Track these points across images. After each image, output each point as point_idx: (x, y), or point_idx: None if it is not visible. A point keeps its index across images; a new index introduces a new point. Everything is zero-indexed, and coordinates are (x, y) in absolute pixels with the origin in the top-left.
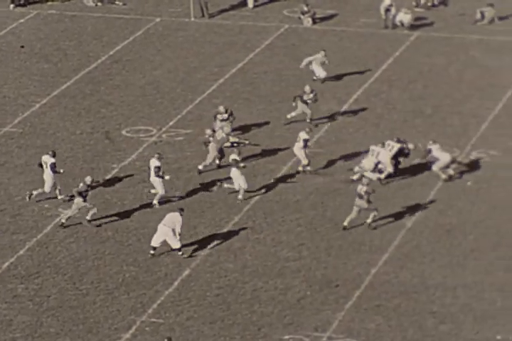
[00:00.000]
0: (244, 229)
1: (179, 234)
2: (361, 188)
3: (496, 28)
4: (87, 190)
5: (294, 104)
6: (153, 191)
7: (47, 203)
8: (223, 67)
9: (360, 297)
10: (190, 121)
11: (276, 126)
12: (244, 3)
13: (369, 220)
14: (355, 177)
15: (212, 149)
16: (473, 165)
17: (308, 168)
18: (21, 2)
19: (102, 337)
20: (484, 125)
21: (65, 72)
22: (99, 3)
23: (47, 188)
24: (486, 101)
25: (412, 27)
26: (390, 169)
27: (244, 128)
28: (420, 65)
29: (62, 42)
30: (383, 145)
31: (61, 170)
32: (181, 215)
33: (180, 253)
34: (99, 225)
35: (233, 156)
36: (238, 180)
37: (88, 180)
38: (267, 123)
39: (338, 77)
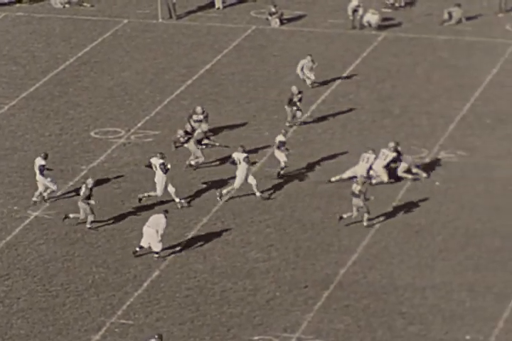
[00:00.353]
0: (213, 230)
1: (161, 236)
2: (355, 187)
3: (464, 28)
4: (90, 193)
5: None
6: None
7: (16, 205)
8: (191, 68)
9: (329, 297)
10: (159, 122)
11: (244, 127)
12: (211, 5)
13: (365, 224)
14: (333, 179)
15: (193, 146)
16: (441, 166)
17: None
18: None
19: (72, 339)
20: (452, 125)
21: (33, 74)
22: (66, 5)
23: (41, 188)
24: (454, 102)
25: (380, 27)
26: (384, 178)
27: (212, 130)
28: (388, 65)
29: (31, 44)
30: (373, 151)
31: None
32: (165, 217)
33: (156, 255)
34: (97, 228)
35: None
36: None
37: (90, 182)
38: (235, 124)
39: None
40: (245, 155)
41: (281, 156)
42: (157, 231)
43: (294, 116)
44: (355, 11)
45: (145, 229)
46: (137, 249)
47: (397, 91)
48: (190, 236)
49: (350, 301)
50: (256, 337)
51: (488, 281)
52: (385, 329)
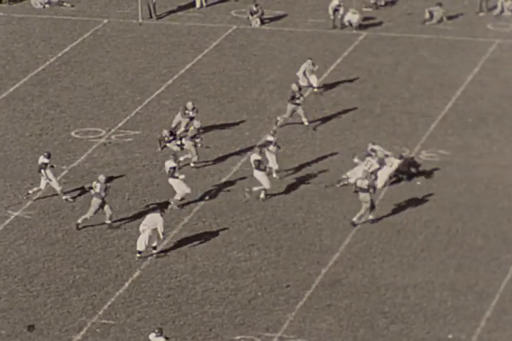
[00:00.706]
0: (194, 229)
1: (163, 234)
2: (362, 182)
3: (445, 28)
4: (106, 189)
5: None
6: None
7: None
8: (172, 68)
9: (311, 297)
10: (139, 122)
11: (225, 126)
12: (192, 4)
13: (354, 219)
14: (338, 185)
15: (189, 145)
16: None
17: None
18: None
19: (53, 339)
20: (433, 124)
21: (13, 74)
22: (46, 5)
23: (58, 188)
24: (435, 101)
25: (361, 27)
26: (380, 184)
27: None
28: (369, 64)
29: (10, 44)
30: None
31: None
32: (162, 215)
33: (154, 251)
34: (119, 226)
35: (255, 157)
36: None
37: (102, 178)
38: (215, 123)
39: (287, 78)
40: (259, 158)
41: (270, 157)
42: (153, 230)
43: (292, 112)
44: (335, 10)
45: (141, 228)
46: (138, 255)
47: (378, 90)
48: (171, 236)
49: (332, 301)
50: (238, 337)
51: (470, 280)
52: (367, 328)
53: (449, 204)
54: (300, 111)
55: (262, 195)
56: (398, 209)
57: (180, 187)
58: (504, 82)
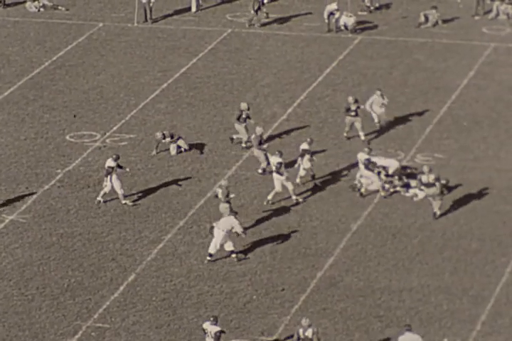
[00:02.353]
0: (189, 233)
1: (244, 233)
2: (428, 177)
3: (440, 31)
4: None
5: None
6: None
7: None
8: (166, 72)
9: (306, 301)
10: (134, 125)
11: (220, 130)
12: (187, 8)
13: (438, 212)
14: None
15: (258, 153)
16: (417, 169)
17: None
18: None
19: None
20: (429, 128)
21: (8, 78)
22: (41, 9)
23: (120, 191)
24: (431, 104)
25: (356, 30)
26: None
27: (188, 133)
28: (364, 68)
29: (5, 47)
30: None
31: (127, 169)
32: (236, 217)
33: (233, 255)
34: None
35: (277, 159)
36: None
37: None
38: (210, 127)
39: (282, 81)
40: (280, 160)
41: (305, 163)
42: (228, 232)
43: (351, 126)
44: (331, 14)
45: (216, 231)
46: (208, 257)
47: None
48: (166, 240)
49: (327, 304)
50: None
51: (465, 284)
52: (362, 332)
53: (444, 207)
54: (357, 124)
55: (270, 197)
56: (393, 212)
57: (278, 184)
58: (499, 85)
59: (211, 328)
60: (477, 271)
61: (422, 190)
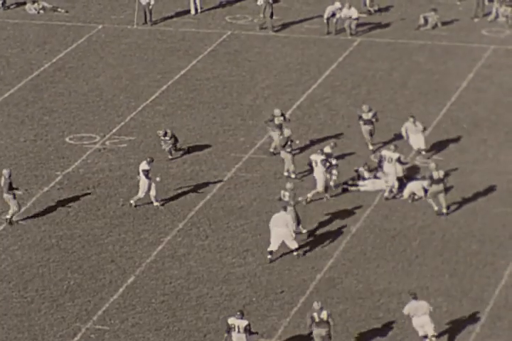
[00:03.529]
0: (188, 235)
1: (293, 231)
2: (439, 173)
3: (440, 33)
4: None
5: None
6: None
7: None
8: (166, 74)
9: (306, 303)
10: (134, 128)
11: (220, 132)
12: (186, 10)
13: (445, 211)
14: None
15: (285, 155)
16: (417, 171)
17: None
18: None
19: None
20: (428, 130)
21: (7, 80)
22: (41, 11)
23: (141, 194)
24: (430, 107)
25: (356, 32)
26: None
27: (187, 135)
28: (364, 70)
29: (5, 49)
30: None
31: (157, 178)
32: (288, 214)
33: (295, 253)
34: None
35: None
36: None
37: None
38: (210, 129)
39: (282, 83)
40: (323, 157)
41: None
42: (284, 230)
43: (370, 133)
44: (332, 15)
45: (273, 229)
46: (269, 256)
47: (373, 96)
48: (165, 242)
49: (326, 306)
50: None
51: (464, 286)
52: (361, 334)
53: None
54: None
55: (310, 195)
56: (393, 214)
57: (320, 182)
58: (499, 87)
59: (239, 323)
60: (476, 273)
61: (430, 186)
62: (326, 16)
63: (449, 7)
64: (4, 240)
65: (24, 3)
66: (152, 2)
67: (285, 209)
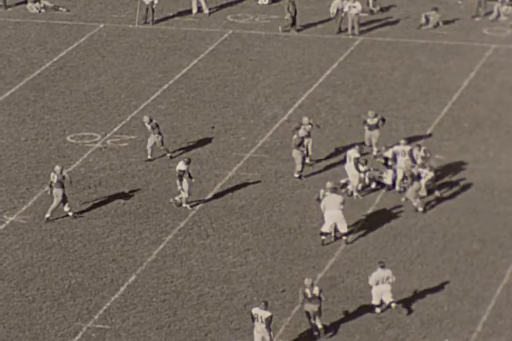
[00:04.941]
0: (189, 234)
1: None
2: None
3: (441, 32)
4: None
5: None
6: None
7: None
8: (167, 73)
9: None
10: (135, 127)
11: (221, 131)
12: (188, 10)
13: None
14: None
15: (296, 154)
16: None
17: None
18: None
19: None
20: (429, 129)
21: (8, 79)
22: (42, 10)
23: (186, 194)
24: (431, 106)
25: (358, 32)
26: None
27: (189, 134)
28: (365, 69)
29: (6, 48)
30: (407, 142)
31: (192, 180)
32: (340, 194)
33: (344, 238)
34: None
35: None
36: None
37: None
38: (211, 128)
39: (283, 82)
40: (358, 155)
41: (354, 174)
42: (341, 212)
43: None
44: (338, 10)
45: (328, 213)
46: (323, 237)
47: (374, 95)
48: (166, 241)
49: (327, 305)
50: None
51: (466, 285)
52: (363, 333)
53: (445, 208)
54: (374, 139)
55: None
56: (394, 214)
57: (355, 179)
58: (500, 87)
59: (262, 313)
60: (478, 273)
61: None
62: (333, 10)
63: (450, 6)
64: (5, 239)
65: (25, 2)
66: (156, 1)
67: (335, 190)
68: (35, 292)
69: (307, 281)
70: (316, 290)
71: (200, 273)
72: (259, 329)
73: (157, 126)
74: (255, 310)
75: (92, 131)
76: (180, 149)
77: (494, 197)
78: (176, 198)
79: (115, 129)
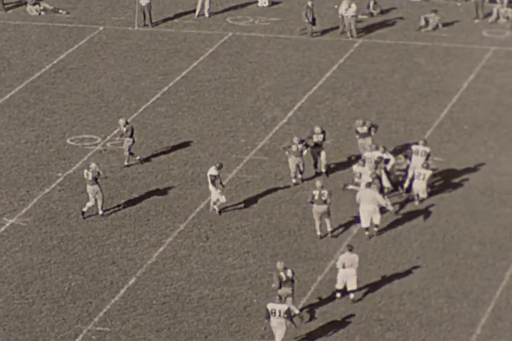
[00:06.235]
0: (189, 237)
1: (388, 205)
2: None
3: (440, 35)
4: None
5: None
6: None
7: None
8: (167, 75)
9: (307, 304)
10: (135, 129)
11: (221, 133)
12: (187, 11)
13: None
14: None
15: (291, 161)
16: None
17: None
18: None
19: None
20: (429, 131)
21: (8, 81)
22: (42, 13)
23: (218, 198)
24: (431, 108)
25: (357, 34)
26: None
27: (188, 137)
28: (364, 71)
29: (6, 51)
30: (425, 143)
31: (222, 185)
32: (375, 189)
33: (376, 229)
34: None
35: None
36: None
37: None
38: (211, 131)
39: (283, 85)
40: (381, 155)
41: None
42: (378, 207)
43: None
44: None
45: (361, 208)
46: (366, 232)
47: (374, 97)
48: (166, 243)
49: (327, 308)
50: None
51: (465, 287)
52: (362, 335)
53: (444, 211)
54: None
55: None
56: (394, 216)
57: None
58: (500, 89)
59: (280, 307)
60: (477, 275)
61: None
62: (340, 12)
63: (449, 8)
64: (5, 241)
65: (25, 5)
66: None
67: (369, 185)
68: (35, 294)
69: (279, 265)
70: (289, 273)
71: (200, 275)
72: (275, 324)
73: (132, 129)
74: (271, 306)
75: (92, 134)
76: (180, 151)
77: (494, 199)
78: (214, 207)
79: (115, 132)
